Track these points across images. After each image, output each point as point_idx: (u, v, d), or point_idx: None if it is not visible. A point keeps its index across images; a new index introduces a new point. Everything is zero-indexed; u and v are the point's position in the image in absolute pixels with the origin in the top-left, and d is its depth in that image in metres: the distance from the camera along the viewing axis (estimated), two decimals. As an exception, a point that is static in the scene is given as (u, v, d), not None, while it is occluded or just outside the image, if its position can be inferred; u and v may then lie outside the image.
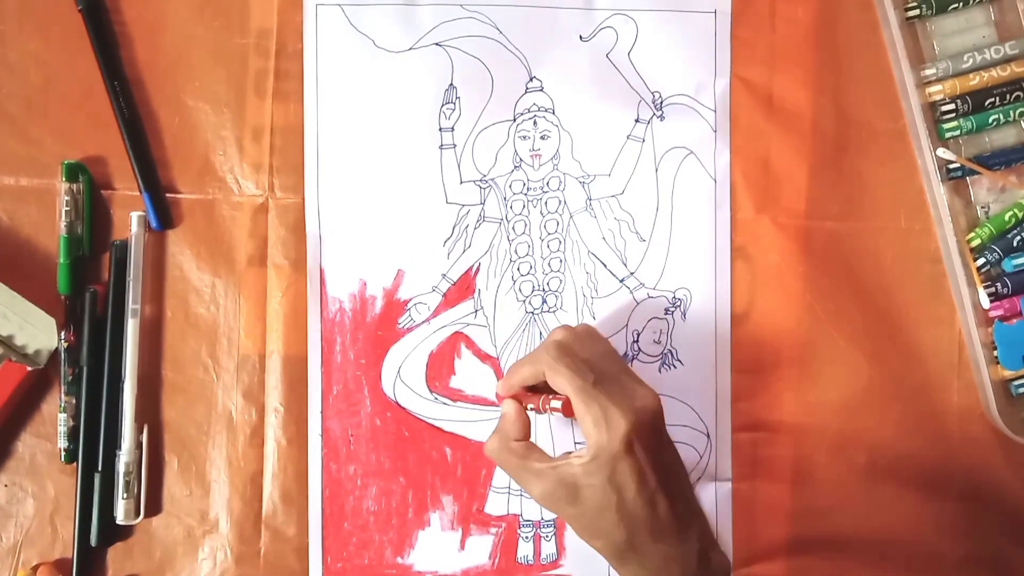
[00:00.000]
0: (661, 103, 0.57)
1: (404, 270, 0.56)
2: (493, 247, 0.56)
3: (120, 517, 0.54)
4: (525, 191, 0.56)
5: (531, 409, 0.49)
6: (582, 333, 0.50)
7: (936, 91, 0.57)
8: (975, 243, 0.57)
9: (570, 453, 0.45)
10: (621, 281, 0.57)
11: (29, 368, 0.53)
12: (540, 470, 0.46)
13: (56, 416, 0.54)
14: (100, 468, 0.54)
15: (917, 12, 0.57)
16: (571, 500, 0.45)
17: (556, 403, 0.46)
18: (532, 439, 0.49)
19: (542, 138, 0.56)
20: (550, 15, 0.56)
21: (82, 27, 0.54)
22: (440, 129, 0.56)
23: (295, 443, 0.55)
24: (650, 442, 0.44)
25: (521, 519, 0.56)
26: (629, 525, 0.44)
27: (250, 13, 0.55)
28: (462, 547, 0.56)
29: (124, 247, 0.54)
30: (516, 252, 0.56)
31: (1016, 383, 0.57)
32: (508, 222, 0.56)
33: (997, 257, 0.57)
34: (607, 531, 0.45)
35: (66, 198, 0.53)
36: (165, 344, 0.55)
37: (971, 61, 0.57)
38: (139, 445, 0.54)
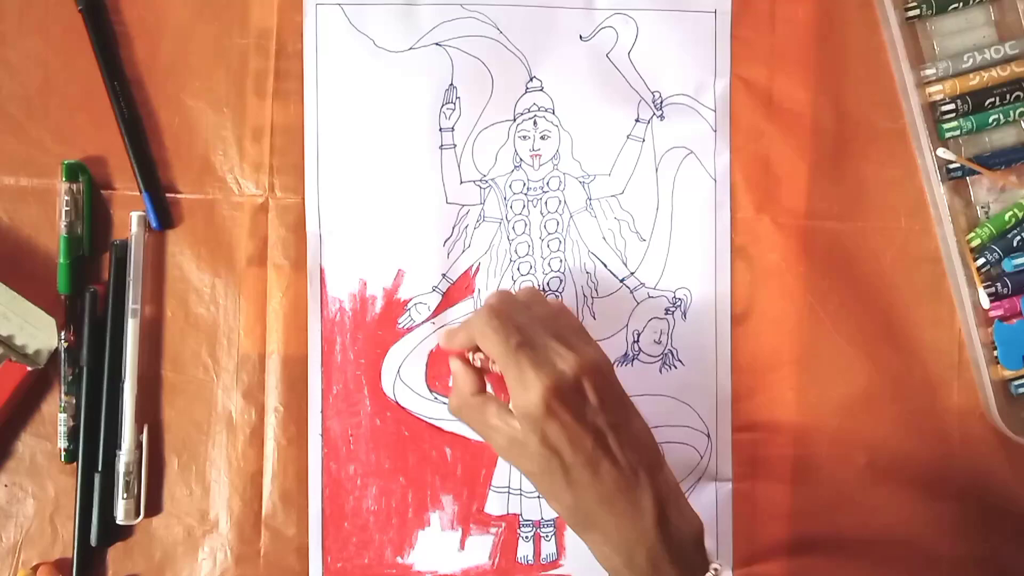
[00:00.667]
0: (661, 103, 0.57)
1: (404, 270, 0.56)
2: (493, 247, 0.56)
3: (120, 517, 0.54)
4: (525, 191, 0.56)
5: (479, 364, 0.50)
6: (521, 297, 0.50)
7: (936, 91, 0.57)
8: (975, 243, 0.57)
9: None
10: (621, 281, 0.57)
11: (29, 368, 0.53)
12: (496, 425, 0.46)
13: (56, 416, 0.54)
14: (100, 468, 0.54)
15: (917, 12, 0.57)
16: (521, 453, 0.45)
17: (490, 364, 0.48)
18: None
19: (542, 138, 0.56)
20: (550, 15, 0.56)
21: (82, 27, 0.54)
22: (440, 129, 0.56)
23: (295, 443, 0.55)
24: (574, 402, 0.44)
25: (521, 519, 0.56)
26: (574, 490, 0.44)
27: (250, 13, 0.55)
28: (462, 547, 0.56)
29: (124, 247, 0.54)
30: (516, 252, 0.57)
31: (1016, 383, 0.57)
32: (508, 222, 0.56)
33: (997, 257, 0.57)
34: (557, 494, 0.45)
35: (66, 198, 0.53)
36: (165, 344, 0.55)
37: (971, 61, 0.57)
38: (139, 445, 0.54)
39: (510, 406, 0.46)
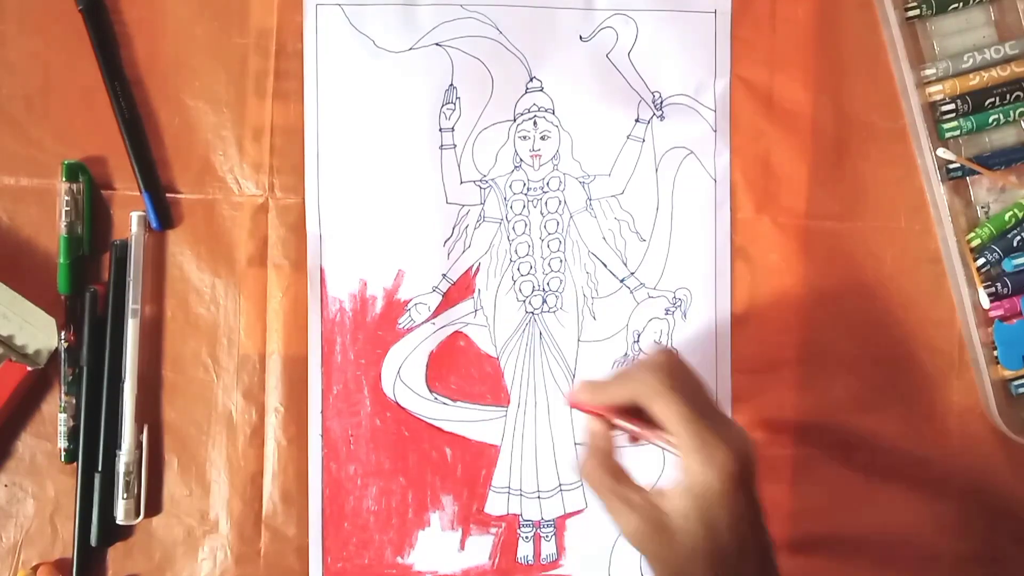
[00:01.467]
0: (661, 103, 0.57)
1: (404, 270, 0.56)
2: (493, 247, 0.56)
3: (120, 517, 0.54)
4: (525, 191, 0.56)
5: (616, 431, 0.45)
6: (679, 361, 0.45)
7: (936, 91, 0.57)
8: (975, 243, 0.57)
9: (661, 489, 0.42)
10: (621, 281, 0.57)
11: (29, 368, 0.53)
12: (634, 502, 0.42)
13: (56, 416, 0.54)
14: (100, 468, 0.54)
15: (917, 12, 0.57)
16: (661, 539, 0.41)
17: (665, 439, 0.42)
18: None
19: (542, 138, 0.56)
20: (550, 15, 0.56)
21: (82, 27, 0.54)
22: (440, 129, 0.56)
23: (295, 443, 0.55)
24: (751, 485, 0.41)
25: (521, 519, 0.56)
26: (718, 571, 0.40)
27: (250, 13, 0.55)
28: (462, 547, 0.56)
29: (124, 247, 0.54)
30: (516, 252, 0.57)
31: (1016, 383, 0.57)
32: (508, 222, 0.56)
33: (997, 257, 0.57)
34: (681, 569, 0.41)
35: (66, 198, 0.53)
36: (165, 344, 0.55)
37: (971, 61, 0.57)
38: (139, 445, 0.54)
39: (663, 489, 0.41)
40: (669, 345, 0.56)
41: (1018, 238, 0.57)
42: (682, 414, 0.41)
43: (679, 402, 0.41)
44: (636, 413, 0.44)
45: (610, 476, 0.43)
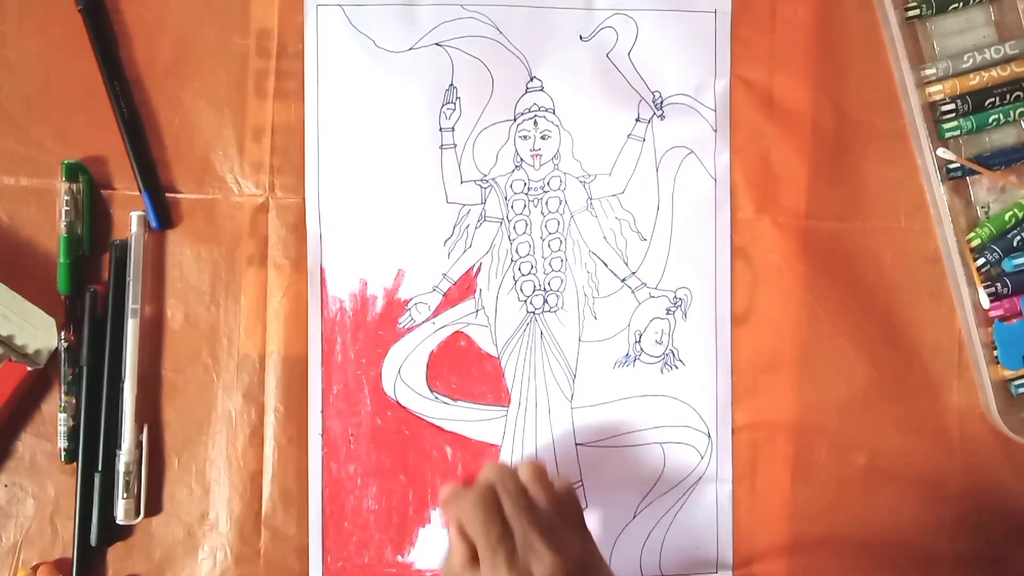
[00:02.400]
0: (661, 103, 0.57)
1: (404, 270, 0.56)
2: (494, 247, 0.56)
3: (120, 517, 0.54)
4: (526, 191, 0.56)
5: None
6: (523, 475, 0.49)
7: (936, 91, 0.57)
8: (975, 243, 0.57)
9: None
10: (622, 281, 0.57)
11: (29, 368, 0.53)
12: None
13: (56, 416, 0.54)
14: (100, 468, 0.54)
15: (917, 12, 0.57)
16: None
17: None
18: None
19: (543, 138, 0.56)
20: (550, 15, 0.56)
21: (82, 27, 0.54)
22: (440, 129, 0.56)
23: (295, 443, 0.55)
24: None
25: (521, 519, 0.56)
26: None
27: (250, 13, 0.55)
28: (462, 547, 0.56)
29: (124, 247, 0.54)
30: (517, 252, 0.57)
31: (1016, 383, 0.58)
32: (509, 222, 0.56)
33: (997, 257, 0.57)
34: None
35: (66, 198, 0.53)
36: (165, 344, 0.55)
37: (971, 61, 0.57)
38: (139, 445, 0.54)
39: None
40: (595, 323, 0.57)
41: (1018, 238, 0.57)
42: (479, 537, 0.46)
43: (478, 529, 0.46)
44: None
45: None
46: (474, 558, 0.47)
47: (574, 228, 0.57)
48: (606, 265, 0.57)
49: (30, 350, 0.53)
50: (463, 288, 0.56)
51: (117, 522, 0.54)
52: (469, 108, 0.56)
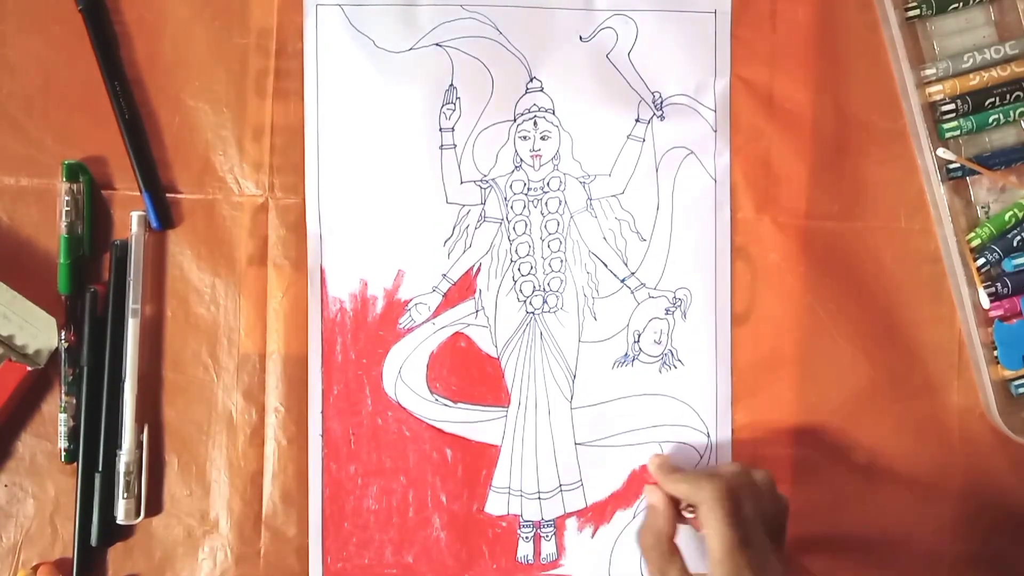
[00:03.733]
0: (661, 103, 0.57)
1: (404, 270, 0.56)
2: (494, 247, 0.56)
3: (120, 517, 0.54)
4: (525, 191, 0.56)
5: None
6: (759, 480, 0.50)
7: (936, 91, 0.57)
8: (975, 243, 0.57)
9: None
10: (622, 281, 0.57)
11: (29, 368, 0.53)
12: None
13: (56, 416, 0.54)
14: (100, 468, 0.54)
15: (917, 12, 0.57)
16: None
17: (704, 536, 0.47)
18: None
19: (542, 138, 0.56)
20: (550, 15, 0.56)
21: (82, 27, 0.54)
22: (440, 129, 0.56)
23: (295, 443, 0.55)
24: None
25: (521, 519, 0.56)
26: None
27: (250, 13, 0.55)
28: (462, 547, 0.56)
29: (124, 247, 0.54)
30: (517, 252, 0.57)
31: (1016, 383, 0.57)
32: (509, 222, 0.56)
33: (997, 257, 0.57)
34: None
35: (66, 198, 0.53)
36: (165, 344, 0.55)
37: (971, 61, 0.57)
38: (139, 445, 0.54)
39: None
40: (595, 323, 0.57)
41: (1018, 238, 0.57)
42: (722, 535, 0.45)
43: (723, 528, 0.45)
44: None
45: (658, 554, 0.49)
46: (675, 531, 0.49)
47: (574, 228, 0.57)
48: (606, 265, 0.57)
49: (30, 350, 0.53)
50: (463, 289, 0.56)
51: (117, 522, 0.54)
52: (469, 108, 0.56)
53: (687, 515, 0.51)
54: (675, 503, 0.51)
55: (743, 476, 0.49)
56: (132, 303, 0.54)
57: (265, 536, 0.55)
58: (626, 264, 0.57)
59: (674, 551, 0.49)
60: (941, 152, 0.57)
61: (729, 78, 0.57)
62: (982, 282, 0.57)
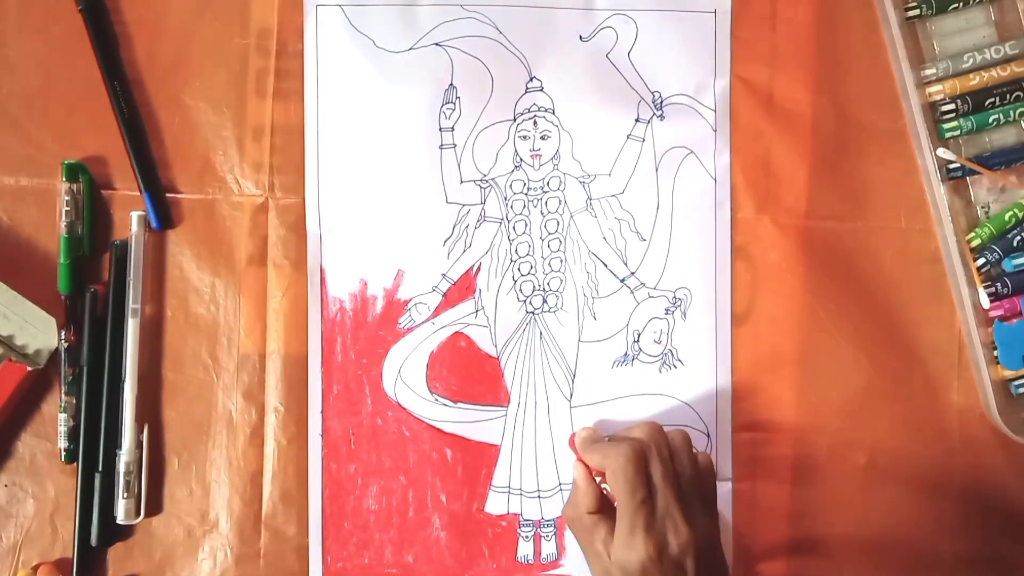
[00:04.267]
0: (661, 103, 0.57)
1: (404, 270, 0.56)
2: (494, 247, 0.56)
3: (120, 517, 0.54)
4: (525, 191, 0.56)
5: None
6: (674, 441, 0.49)
7: (936, 91, 0.57)
8: (975, 243, 0.57)
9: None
10: (622, 281, 0.57)
11: (29, 368, 0.53)
12: (600, 552, 0.47)
13: (56, 416, 0.54)
14: (100, 468, 0.54)
15: (917, 12, 0.57)
16: None
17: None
18: None
19: (542, 138, 0.56)
20: (550, 15, 0.56)
21: (82, 27, 0.54)
22: (440, 129, 0.56)
23: (295, 443, 0.55)
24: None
25: (521, 519, 0.56)
26: None
27: (250, 13, 0.55)
28: (462, 547, 0.56)
29: (124, 247, 0.54)
30: (517, 252, 0.57)
31: (1016, 383, 0.57)
32: (508, 222, 0.56)
33: (997, 257, 0.57)
34: None
35: (66, 198, 0.53)
36: (165, 344, 0.55)
37: (971, 61, 0.57)
38: (139, 445, 0.54)
39: (612, 546, 0.46)
40: (594, 323, 0.57)
41: (1018, 238, 0.57)
42: (623, 494, 0.46)
43: (624, 486, 0.46)
44: None
45: (582, 527, 0.49)
46: (599, 505, 0.48)
47: (573, 228, 0.57)
48: (605, 265, 0.57)
49: (30, 350, 0.53)
50: (463, 288, 0.56)
51: (117, 522, 0.54)
52: (469, 108, 0.56)
53: (605, 487, 0.50)
54: (594, 481, 0.50)
55: (655, 437, 0.49)
56: (132, 303, 0.54)
57: (265, 536, 0.55)
58: (626, 264, 0.57)
59: (596, 522, 0.48)
60: (941, 152, 0.57)
61: (729, 78, 0.57)
62: (982, 282, 0.57)
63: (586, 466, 0.50)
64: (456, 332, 0.56)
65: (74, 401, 0.54)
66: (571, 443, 0.55)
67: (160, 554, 0.55)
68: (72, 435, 0.54)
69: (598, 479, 0.50)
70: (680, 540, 0.45)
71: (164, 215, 0.55)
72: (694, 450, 0.50)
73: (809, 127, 0.57)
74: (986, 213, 0.58)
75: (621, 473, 0.46)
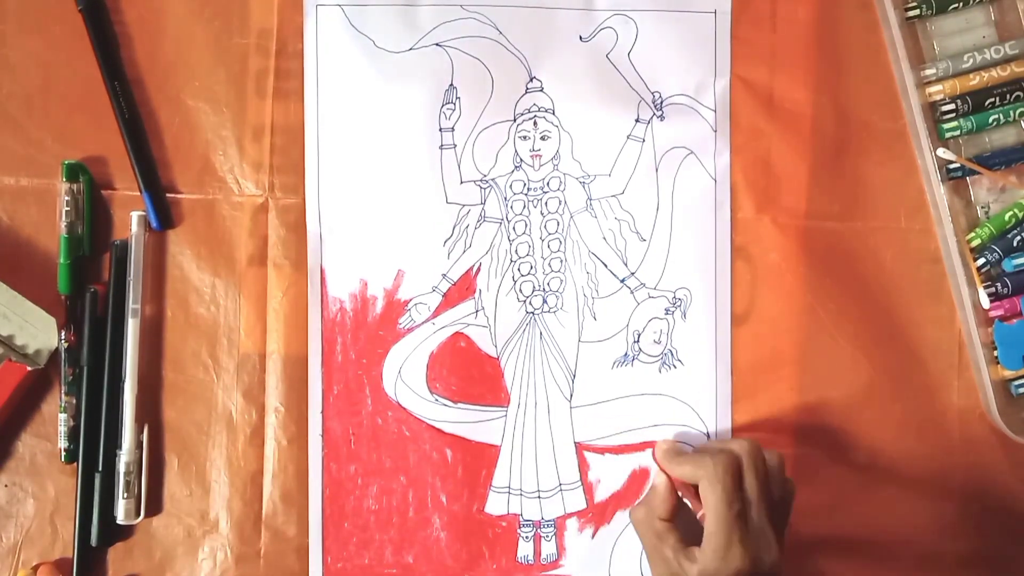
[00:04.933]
0: (661, 103, 0.57)
1: (404, 270, 0.56)
2: (494, 247, 0.56)
3: (120, 517, 0.54)
4: (525, 191, 0.56)
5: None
6: (772, 462, 0.50)
7: (936, 91, 0.57)
8: (975, 243, 0.57)
9: (693, 553, 0.47)
10: (622, 281, 0.57)
11: (29, 368, 0.53)
12: (668, 558, 0.48)
13: (56, 416, 0.54)
14: (100, 468, 0.54)
15: (917, 12, 0.57)
16: None
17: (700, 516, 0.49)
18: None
19: (542, 138, 0.56)
20: (550, 15, 0.56)
21: (82, 27, 0.54)
22: (440, 129, 0.56)
23: (295, 443, 0.55)
24: None
25: (521, 519, 0.56)
26: None
27: (250, 13, 0.55)
28: (462, 547, 0.56)
29: (124, 247, 0.54)
30: (517, 252, 0.57)
31: (1016, 383, 0.57)
32: (508, 222, 0.56)
33: (997, 257, 0.57)
34: None
35: (66, 198, 0.53)
36: (165, 344, 0.55)
37: (971, 61, 0.57)
38: (139, 445, 0.54)
39: (696, 554, 0.47)
40: (595, 323, 0.57)
41: (1018, 238, 0.57)
42: (719, 505, 0.46)
43: (721, 497, 0.46)
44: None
45: (653, 531, 0.50)
46: (674, 512, 0.50)
47: (573, 228, 0.57)
48: (605, 265, 0.57)
49: (30, 350, 0.53)
50: (463, 288, 0.56)
51: (117, 522, 0.54)
52: (469, 108, 0.56)
53: (689, 502, 0.51)
54: (678, 488, 0.51)
55: (752, 453, 0.49)
56: (132, 303, 0.54)
57: (265, 536, 0.55)
58: (626, 264, 0.57)
59: (667, 529, 0.49)
60: (941, 152, 0.57)
61: (729, 78, 0.57)
62: (982, 282, 0.57)
63: (669, 479, 0.51)
64: (456, 332, 0.56)
65: (74, 401, 0.54)
66: (652, 454, 0.56)
67: (160, 554, 0.55)
68: (72, 435, 0.54)
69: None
70: (771, 558, 0.46)
71: (164, 215, 0.55)
72: (786, 475, 0.51)
73: (809, 127, 0.57)
74: (986, 213, 0.58)
75: (720, 483, 0.46)
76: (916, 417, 0.58)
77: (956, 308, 0.58)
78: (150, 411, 0.55)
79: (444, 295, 0.56)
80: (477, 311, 0.56)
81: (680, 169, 0.57)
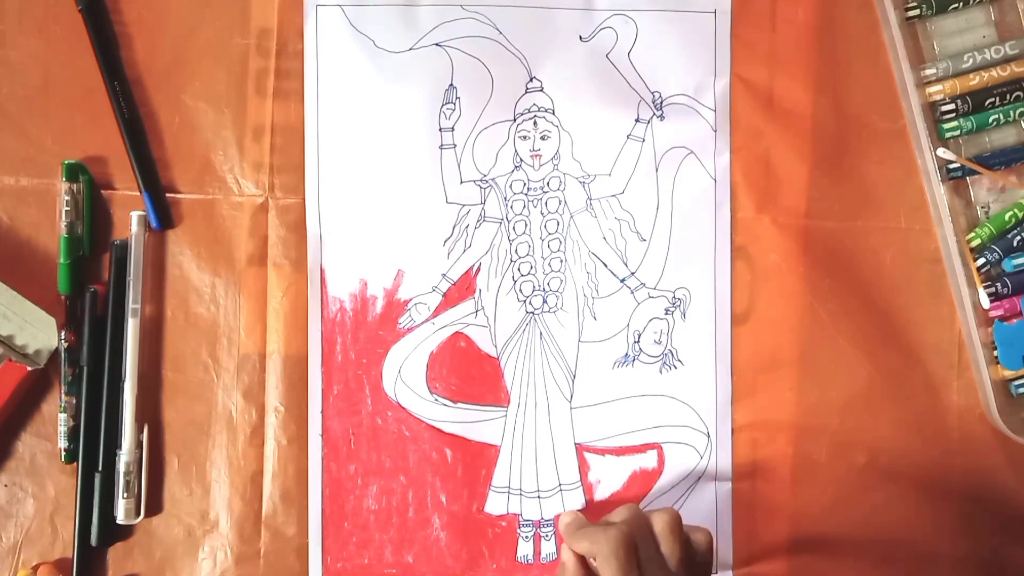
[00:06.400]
0: (661, 103, 0.57)
1: (404, 270, 0.56)
2: (493, 247, 0.56)
3: (120, 517, 0.54)
4: (525, 191, 0.57)
5: None
6: (658, 526, 0.49)
7: (936, 91, 0.57)
8: (975, 243, 0.57)
9: None
10: (622, 281, 0.57)
11: (29, 368, 0.53)
12: None
13: (56, 416, 0.54)
14: (100, 468, 0.54)
15: (917, 12, 0.57)
16: None
17: None
18: None
19: (542, 138, 0.56)
20: (550, 15, 0.56)
21: (82, 27, 0.54)
22: (440, 129, 0.56)
23: (295, 443, 0.55)
24: None
25: (521, 519, 0.57)
26: None
27: (250, 13, 0.55)
28: (462, 547, 0.56)
29: (124, 247, 0.54)
30: (516, 252, 0.57)
31: (1016, 383, 0.57)
32: (508, 222, 0.56)
33: (997, 257, 0.57)
34: None
35: (66, 198, 0.53)
36: (165, 344, 0.55)
37: (971, 61, 0.57)
38: (139, 445, 0.54)
39: None
40: (594, 324, 0.57)
41: (1018, 238, 0.57)
42: None
43: (619, 572, 0.46)
44: None
45: None
46: None
47: (573, 228, 0.57)
48: (605, 265, 0.57)
49: (30, 350, 0.53)
50: (463, 288, 0.56)
51: (117, 522, 0.54)
52: (469, 108, 0.56)
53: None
54: (584, 567, 0.50)
55: (638, 521, 0.48)
56: (132, 303, 0.54)
57: (265, 536, 0.55)
58: (626, 264, 0.57)
59: None
60: (941, 152, 0.57)
61: (729, 78, 0.57)
62: (982, 282, 0.57)
63: (576, 556, 0.50)
64: (456, 332, 0.56)
65: (74, 401, 0.54)
66: (555, 527, 0.55)
67: (160, 554, 0.55)
68: (72, 435, 0.54)
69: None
70: None
71: (164, 215, 0.55)
72: (685, 532, 0.49)
73: (809, 127, 0.57)
74: (986, 213, 0.58)
75: (612, 557, 0.46)
76: (916, 417, 0.58)
77: (956, 308, 0.58)
78: (150, 411, 0.55)
79: (444, 295, 0.56)
80: (477, 311, 0.56)
81: (680, 169, 0.57)
